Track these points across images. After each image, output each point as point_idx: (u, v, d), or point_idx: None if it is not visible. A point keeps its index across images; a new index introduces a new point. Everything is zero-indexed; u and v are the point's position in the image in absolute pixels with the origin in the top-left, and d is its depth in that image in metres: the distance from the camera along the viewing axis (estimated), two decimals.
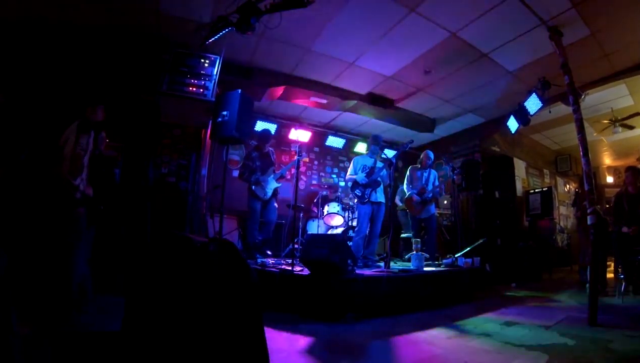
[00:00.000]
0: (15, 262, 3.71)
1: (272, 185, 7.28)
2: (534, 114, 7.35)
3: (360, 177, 6.99)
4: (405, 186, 8.11)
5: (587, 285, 4.97)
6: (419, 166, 8.11)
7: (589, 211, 4.91)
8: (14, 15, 5.79)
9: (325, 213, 8.79)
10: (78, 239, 3.98)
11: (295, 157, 6.50)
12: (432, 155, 8.13)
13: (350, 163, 7.33)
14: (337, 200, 9.13)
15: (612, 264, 7.77)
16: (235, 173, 9.32)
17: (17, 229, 3.86)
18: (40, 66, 6.03)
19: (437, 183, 7.94)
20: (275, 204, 7.46)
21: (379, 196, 6.91)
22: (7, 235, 3.81)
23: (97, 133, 4.31)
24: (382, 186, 7.00)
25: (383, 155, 7.06)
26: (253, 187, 7.14)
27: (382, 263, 6.56)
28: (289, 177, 7.61)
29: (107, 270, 5.35)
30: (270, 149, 7.72)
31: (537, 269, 9.24)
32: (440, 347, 3.64)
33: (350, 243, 6.84)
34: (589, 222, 4.90)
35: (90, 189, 4.31)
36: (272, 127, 9.49)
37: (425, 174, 7.97)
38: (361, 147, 11.15)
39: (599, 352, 3.39)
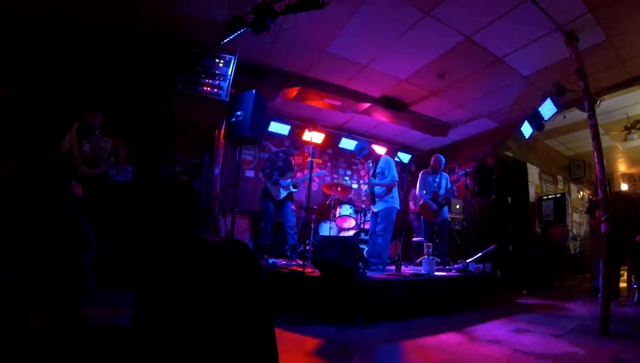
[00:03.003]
0: (25, 255, 3.79)
1: (289, 189, 7.40)
2: (548, 120, 7.29)
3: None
4: (417, 191, 8.09)
5: (599, 294, 4.91)
6: (431, 171, 8.08)
7: (602, 219, 4.86)
8: (35, 14, 5.88)
9: (337, 215, 8.79)
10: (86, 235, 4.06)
11: (309, 159, 6.52)
12: (443, 159, 8.10)
13: (363, 165, 7.38)
14: (350, 202, 9.12)
15: (626, 273, 7.69)
16: (249, 173, 9.42)
17: (27, 222, 3.95)
18: (58, 63, 6.10)
19: (449, 185, 7.91)
20: (293, 207, 7.51)
21: (377, 205, 6.92)
22: (18, 228, 3.88)
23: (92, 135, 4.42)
24: (380, 190, 6.90)
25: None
26: (268, 185, 7.22)
27: (393, 267, 6.55)
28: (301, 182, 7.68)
29: (115, 266, 5.41)
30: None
31: (549, 277, 9.19)
32: (449, 353, 3.63)
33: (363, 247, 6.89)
34: (602, 230, 4.85)
35: (80, 188, 4.41)
36: (285, 128, 9.53)
37: (437, 179, 7.93)
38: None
39: None
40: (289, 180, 7.42)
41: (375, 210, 6.87)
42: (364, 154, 7.17)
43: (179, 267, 2.29)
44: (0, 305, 2.57)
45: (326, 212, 9.40)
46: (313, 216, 8.76)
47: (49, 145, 4.06)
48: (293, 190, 7.52)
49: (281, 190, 7.32)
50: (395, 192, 6.83)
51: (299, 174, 7.93)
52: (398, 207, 6.80)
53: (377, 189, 6.84)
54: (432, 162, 8.09)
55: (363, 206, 9.03)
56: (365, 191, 7.21)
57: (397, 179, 6.80)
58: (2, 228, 3.82)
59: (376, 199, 6.85)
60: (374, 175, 6.95)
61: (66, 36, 6.11)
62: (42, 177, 3.99)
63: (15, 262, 3.82)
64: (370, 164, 7.18)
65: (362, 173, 11.39)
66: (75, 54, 6.20)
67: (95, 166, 4.32)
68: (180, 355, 2.04)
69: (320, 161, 10.90)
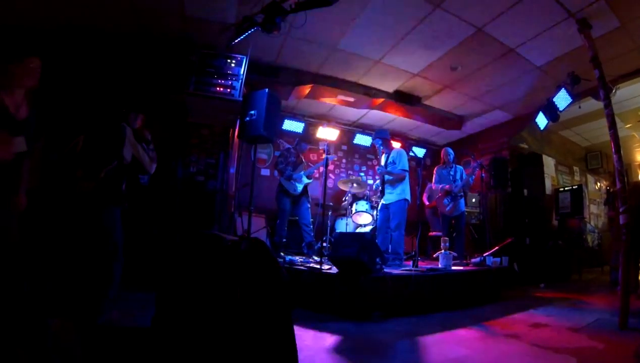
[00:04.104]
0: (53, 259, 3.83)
1: (303, 181, 7.42)
2: (563, 110, 7.23)
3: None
4: (434, 185, 8.08)
5: (618, 287, 4.85)
6: (443, 165, 8.07)
7: (621, 210, 4.80)
8: (50, 23, 6.00)
9: (353, 211, 8.79)
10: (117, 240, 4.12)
11: (324, 156, 6.53)
12: (451, 151, 8.12)
13: (378, 161, 7.36)
14: (366, 198, 9.12)
15: None
16: (264, 171, 9.47)
17: (50, 226, 3.99)
18: (73, 70, 6.18)
19: (465, 177, 7.90)
20: (308, 204, 7.55)
21: (386, 197, 6.88)
22: (46, 232, 3.93)
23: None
24: (390, 179, 6.86)
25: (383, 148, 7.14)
26: (283, 182, 7.27)
27: (409, 262, 6.54)
28: (317, 175, 7.69)
29: (135, 268, 5.47)
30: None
31: (567, 270, 9.10)
32: (467, 348, 3.63)
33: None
34: (621, 222, 4.79)
35: None
36: (299, 126, 9.56)
37: (452, 171, 7.93)
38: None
39: (629, 358, 3.34)
40: (302, 172, 7.46)
41: (385, 202, 6.84)
42: (380, 135, 7.17)
43: (198, 267, 2.31)
44: (24, 310, 2.62)
45: (342, 209, 9.42)
46: (329, 213, 8.78)
47: (109, 152, 4.07)
48: (307, 181, 7.56)
49: (296, 184, 7.36)
50: (406, 184, 6.78)
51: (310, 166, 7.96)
52: (409, 200, 6.76)
53: (386, 177, 6.83)
54: (442, 157, 8.10)
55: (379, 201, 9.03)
56: (377, 185, 7.21)
57: (407, 169, 6.76)
58: (28, 233, 3.86)
59: (386, 190, 6.83)
60: (385, 166, 6.92)
61: (80, 45, 6.21)
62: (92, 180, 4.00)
63: (39, 268, 3.87)
64: (381, 153, 7.15)
65: (378, 168, 11.32)
66: (89, 62, 6.29)
67: (156, 161, 4.43)
68: (201, 354, 2.06)
69: (335, 158, 10.90)
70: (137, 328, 3.14)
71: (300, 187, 7.41)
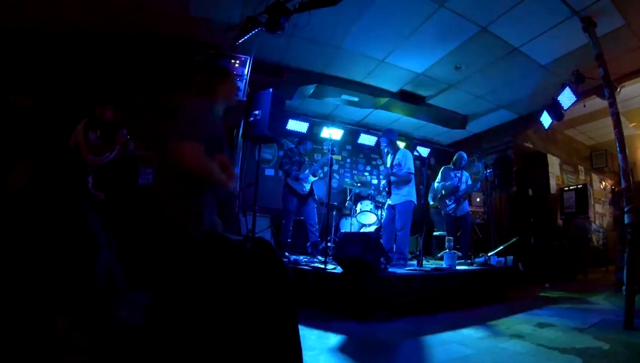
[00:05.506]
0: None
1: (309, 179, 7.47)
2: (567, 109, 7.19)
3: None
4: (437, 184, 8.08)
5: (624, 287, 4.83)
6: (452, 167, 8.07)
7: (626, 209, 4.78)
8: (54, 25, 6.03)
9: (358, 211, 8.80)
10: (95, 235, 4.11)
11: (328, 154, 6.53)
12: (465, 156, 8.12)
13: (382, 161, 7.37)
14: (370, 198, 9.12)
15: None
16: (268, 171, 9.48)
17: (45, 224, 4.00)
18: (78, 72, 6.21)
19: (470, 182, 7.90)
20: (314, 204, 7.56)
21: (392, 198, 6.87)
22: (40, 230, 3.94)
23: (111, 132, 4.47)
24: (396, 181, 6.84)
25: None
26: (290, 182, 7.27)
27: (414, 262, 6.54)
28: (322, 175, 7.69)
29: (141, 267, 5.47)
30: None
31: (572, 269, 9.07)
32: (471, 348, 3.62)
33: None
34: (626, 221, 4.78)
35: (101, 194, 4.47)
36: (304, 126, 9.54)
37: (459, 174, 7.93)
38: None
39: (635, 358, 3.33)
40: (307, 171, 7.47)
41: (391, 203, 6.84)
42: (387, 136, 7.13)
43: (203, 266, 2.32)
44: (30, 307, 2.64)
45: (346, 208, 9.41)
46: (334, 212, 8.78)
47: (59, 145, 4.12)
48: (313, 179, 7.57)
49: (304, 183, 7.37)
50: (412, 186, 6.76)
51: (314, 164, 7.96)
52: (415, 202, 6.75)
53: (392, 179, 6.82)
54: (454, 158, 8.10)
55: (383, 201, 9.02)
56: (383, 186, 7.20)
57: (413, 171, 6.74)
58: (26, 232, 3.88)
59: (392, 191, 6.82)
60: (391, 167, 6.92)
61: (86, 45, 6.23)
62: (54, 175, 4.04)
63: (41, 265, 3.88)
64: (386, 153, 7.16)
65: (382, 168, 11.33)
66: (95, 61, 6.31)
67: (100, 154, 4.36)
68: (206, 354, 2.06)
69: (339, 157, 10.91)
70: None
71: (308, 187, 7.42)
